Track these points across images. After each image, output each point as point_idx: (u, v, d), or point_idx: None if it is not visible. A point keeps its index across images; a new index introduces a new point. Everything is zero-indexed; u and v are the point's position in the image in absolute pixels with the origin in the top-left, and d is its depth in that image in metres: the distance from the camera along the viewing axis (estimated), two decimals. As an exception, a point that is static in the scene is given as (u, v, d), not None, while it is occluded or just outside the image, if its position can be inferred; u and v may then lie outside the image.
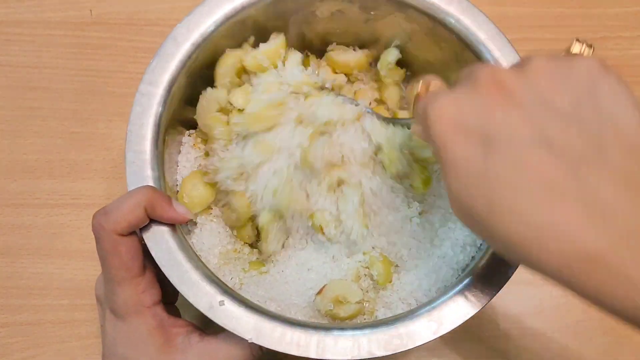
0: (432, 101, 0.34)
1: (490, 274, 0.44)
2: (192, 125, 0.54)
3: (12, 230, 0.61)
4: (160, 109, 0.47)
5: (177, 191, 0.52)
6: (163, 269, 0.43)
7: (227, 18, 0.49)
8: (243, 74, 0.53)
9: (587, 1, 0.68)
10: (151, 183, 0.45)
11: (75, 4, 0.67)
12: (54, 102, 0.64)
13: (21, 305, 0.59)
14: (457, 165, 0.32)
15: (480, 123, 0.32)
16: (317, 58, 0.58)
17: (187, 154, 0.54)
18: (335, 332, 0.43)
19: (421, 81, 0.40)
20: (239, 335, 0.42)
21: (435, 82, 0.40)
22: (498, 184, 0.31)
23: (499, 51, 0.49)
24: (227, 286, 0.45)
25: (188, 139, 0.54)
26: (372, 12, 0.53)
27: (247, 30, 0.52)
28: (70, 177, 0.62)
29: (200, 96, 0.51)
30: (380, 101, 0.58)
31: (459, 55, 0.51)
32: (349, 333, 0.43)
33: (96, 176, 0.63)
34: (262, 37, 0.54)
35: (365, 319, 0.50)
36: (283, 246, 0.52)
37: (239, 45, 0.54)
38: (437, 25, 0.51)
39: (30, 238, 0.61)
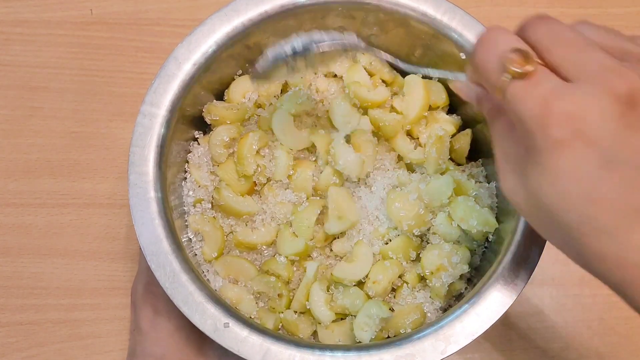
0: (557, 96, 0.30)
1: (495, 293, 0.44)
2: (199, 127, 0.54)
3: (12, 230, 0.61)
4: (163, 130, 0.47)
5: (185, 211, 0.52)
6: (167, 291, 0.43)
7: (229, 37, 0.49)
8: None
9: (587, 1, 0.68)
10: (154, 205, 0.45)
11: (75, 3, 0.67)
12: (55, 102, 0.64)
13: (21, 305, 0.59)
14: (561, 172, 0.30)
15: (608, 140, 0.29)
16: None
17: (196, 155, 0.54)
18: (340, 353, 0.43)
19: (516, 53, 0.31)
20: (246, 358, 0.42)
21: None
22: (604, 204, 0.29)
23: None
24: (232, 308, 0.45)
25: (198, 148, 0.54)
26: (374, 28, 0.53)
27: (249, 49, 0.52)
28: (70, 177, 0.62)
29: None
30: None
31: (461, 67, 0.51)
32: (353, 354, 0.43)
33: (96, 176, 0.63)
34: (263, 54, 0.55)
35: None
36: None
37: (242, 64, 0.54)
38: (440, 40, 0.50)
39: (30, 238, 0.61)
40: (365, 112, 0.53)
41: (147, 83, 0.55)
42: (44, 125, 0.64)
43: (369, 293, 0.49)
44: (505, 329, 0.59)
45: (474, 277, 0.51)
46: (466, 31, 0.49)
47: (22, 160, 0.63)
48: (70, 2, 0.67)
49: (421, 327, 0.45)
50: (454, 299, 0.51)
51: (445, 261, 0.48)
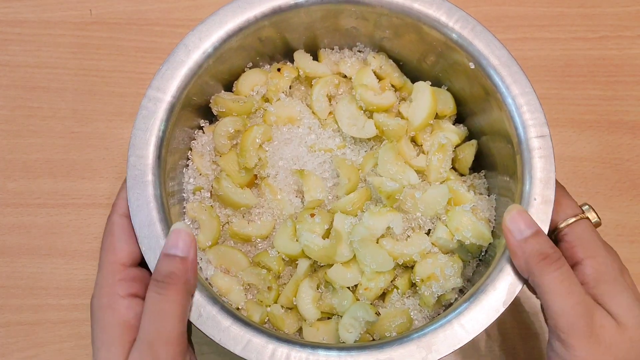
0: None
1: (481, 305, 0.44)
2: (205, 116, 0.54)
3: (12, 230, 0.61)
4: (166, 115, 0.47)
5: (184, 198, 0.52)
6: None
7: (240, 29, 0.49)
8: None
9: (587, 1, 0.68)
10: (151, 188, 0.45)
11: (75, 3, 0.67)
12: (54, 102, 0.64)
13: (21, 305, 0.59)
14: None
15: None
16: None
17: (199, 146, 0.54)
18: (321, 351, 0.42)
19: None
20: (226, 347, 0.42)
21: None
22: None
23: (510, 77, 0.48)
24: (217, 296, 0.45)
25: (202, 136, 0.54)
26: (387, 31, 0.53)
27: (261, 41, 0.52)
28: (70, 177, 0.62)
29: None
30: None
31: (470, 77, 0.51)
32: (334, 353, 0.42)
33: (96, 176, 0.63)
34: (275, 48, 0.54)
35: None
36: None
37: (252, 57, 0.54)
38: (451, 48, 0.50)
39: (30, 238, 0.61)
40: (371, 115, 0.53)
41: (147, 83, 0.55)
42: (43, 125, 0.64)
43: (360, 298, 0.49)
44: (504, 328, 0.59)
45: (466, 289, 0.50)
46: (477, 41, 0.49)
47: (22, 160, 0.63)
48: (70, 2, 0.67)
49: (405, 333, 0.45)
50: (444, 308, 0.51)
51: (437, 271, 0.48)
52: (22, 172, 0.62)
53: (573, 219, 0.45)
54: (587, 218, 0.46)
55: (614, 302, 0.42)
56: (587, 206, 0.47)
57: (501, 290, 0.44)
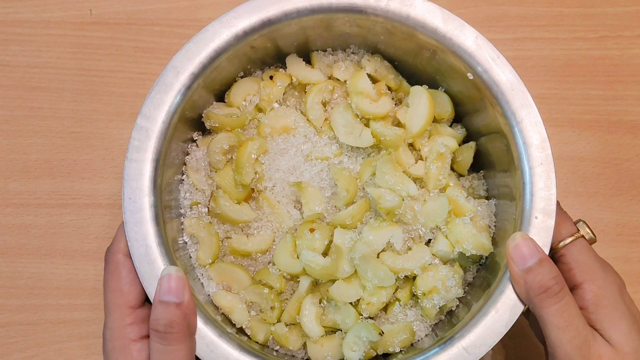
0: None
1: (482, 327, 0.44)
2: (198, 128, 0.54)
3: (12, 230, 0.61)
4: (158, 143, 0.46)
5: (181, 213, 0.52)
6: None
7: (229, 45, 0.48)
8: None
9: (587, 1, 0.68)
10: (149, 220, 0.45)
11: (75, 3, 0.67)
12: (54, 102, 0.64)
13: (21, 305, 0.59)
14: None
15: None
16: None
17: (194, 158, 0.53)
18: None
19: None
20: None
21: None
22: None
23: (511, 91, 0.47)
24: (218, 323, 0.45)
25: (196, 151, 0.53)
26: (381, 37, 0.51)
27: (253, 48, 0.51)
28: (70, 177, 0.62)
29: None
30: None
31: (468, 83, 0.50)
32: None
33: (96, 176, 0.63)
34: (266, 54, 0.54)
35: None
36: None
37: (244, 65, 0.53)
38: (448, 55, 0.49)
39: (30, 238, 0.61)
40: (367, 122, 0.53)
41: (147, 83, 0.55)
42: (43, 125, 0.64)
43: (362, 313, 0.49)
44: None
45: (467, 294, 0.50)
46: (476, 51, 0.48)
47: (22, 160, 0.63)
48: (70, 2, 0.67)
49: (409, 355, 0.45)
50: (445, 315, 0.51)
51: (439, 284, 0.48)
52: (22, 172, 0.62)
53: (570, 239, 0.45)
54: (583, 236, 0.46)
55: (613, 328, 0.42)
56: (581, 222, 0.47)
57: (503, 313, 0.44)
